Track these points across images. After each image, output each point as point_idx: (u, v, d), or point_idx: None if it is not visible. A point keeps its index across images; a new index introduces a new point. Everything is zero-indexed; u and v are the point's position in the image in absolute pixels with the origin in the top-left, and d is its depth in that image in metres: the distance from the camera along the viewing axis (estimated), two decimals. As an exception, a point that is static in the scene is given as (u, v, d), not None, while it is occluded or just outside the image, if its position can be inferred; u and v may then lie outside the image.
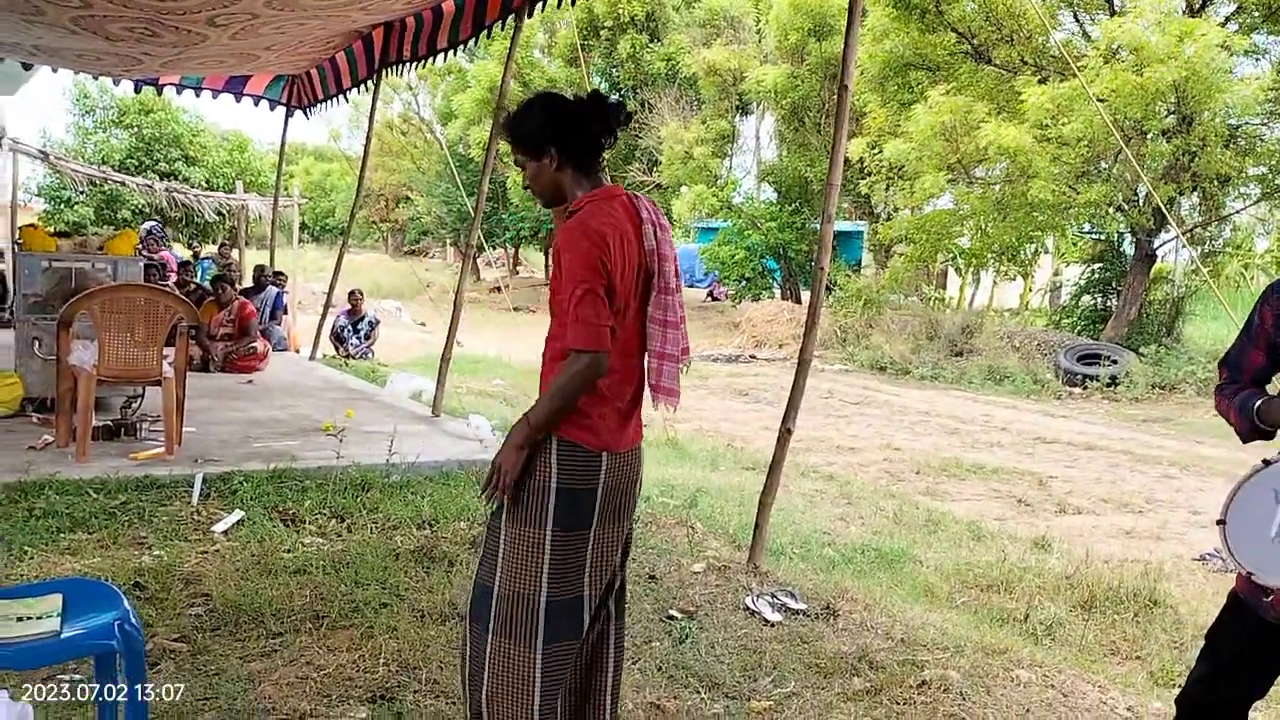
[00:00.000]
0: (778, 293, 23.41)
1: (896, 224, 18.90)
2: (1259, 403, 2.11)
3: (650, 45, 27.39)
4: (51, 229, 8.71)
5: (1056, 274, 22.57)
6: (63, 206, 25.59)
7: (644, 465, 2.56)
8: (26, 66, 9.52)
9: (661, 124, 25.10)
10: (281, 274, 12.25)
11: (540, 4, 6.41)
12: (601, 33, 27.68)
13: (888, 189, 18.98)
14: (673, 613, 3.86)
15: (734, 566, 4.44)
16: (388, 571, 3.99)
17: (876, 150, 17.89)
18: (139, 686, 2.33)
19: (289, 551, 4.17)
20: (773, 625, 3.80)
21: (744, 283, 23.30)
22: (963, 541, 5.70)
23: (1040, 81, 15.44)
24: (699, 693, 3.20)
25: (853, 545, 5.32)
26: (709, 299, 29.44)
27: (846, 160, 19.65)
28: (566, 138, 2.34)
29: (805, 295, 22.26)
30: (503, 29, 7.10)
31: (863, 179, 19.35)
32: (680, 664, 3.38)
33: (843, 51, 4.35)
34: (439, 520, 4.71)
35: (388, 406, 7.59)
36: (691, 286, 34.01)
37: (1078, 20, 17.42)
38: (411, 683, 3.10)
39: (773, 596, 4.06)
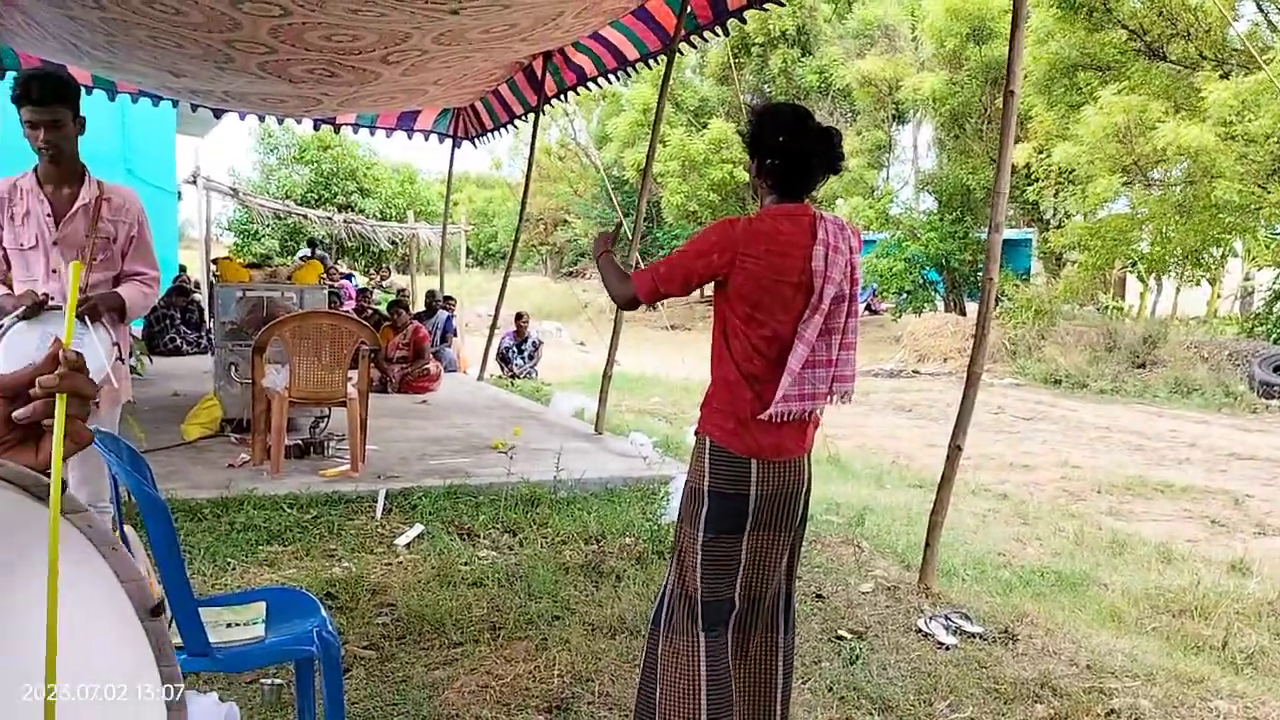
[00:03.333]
0: (940, 305, 22.75)
1: (1068, 230, 18.07)
2: None
3: (802, 59, 27.20)
4: (243, 261, 9.36)
5: (1247, 279, 21.05)
6: (250, 239, 27.45)
7: (809, 480, 2.57)
8: (217, 114, 10.28)
9: (815, 137, 24.84)
10: (451, 298, 12.77)
11: (698, 34, 6.54)
12: (753, 49, 27.67)
13: (1057, 194, 18.18)
14: (842, 633, 3.81)
15: (903, 587, 4.34)
16: (558, 585, 4.10)
17: (1044, 155, 17.19)
18: (336, 690, 2.47)
19: (466, 564, 4.34)
20: (947, 648, 3.69)
21: (904, 295, 22.75)
22: (1151, 564, 5.38)
23: (1222, 77, 14.50)
24: (871, 715, 3.13)
25: (1030, 567, 5.11)
26: (867, 312, 28.88)
27: (1012, 167, 18.94)
28: (768, 158, 2.45)
29: (970, 307, 21.54)
30: (658, 63, 7.28)
31: (1029, 185, 18.61)
32: (852, 685, 3.32)
33: (1008, 56, 4.24)
34: (605, 536, 4.80)
35: (552, 424, 7.79)
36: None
37: (1261, 10, 16.30)
38: (585, 694, 3.17)
39: (946, 619, 3.94)
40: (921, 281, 22.67)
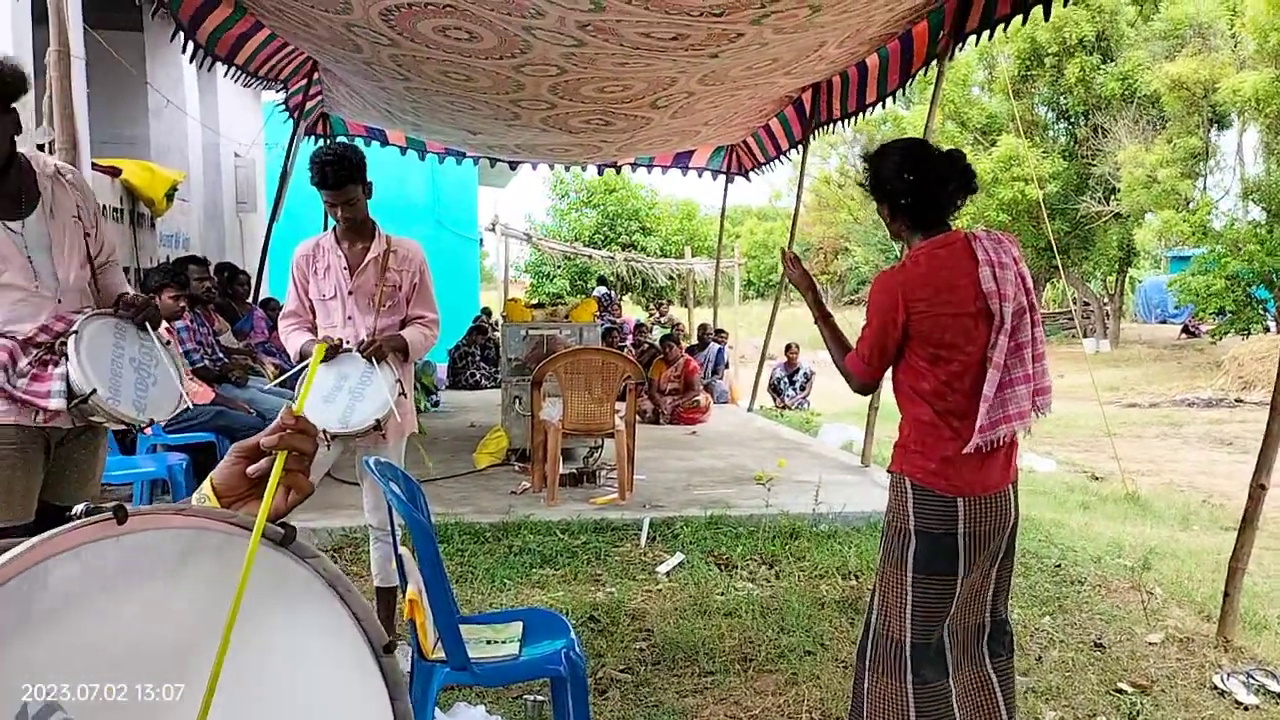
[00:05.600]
0: (1272, 325, 20.30)
1: None
2: None
3: (1102, 66, 25.35)
4: (534, 301, 10.09)
5: None
6: (544, 280, 29.31)
7: (1020, 508, 2.51)
8: (513, 166, 11.16)
9: (1118, 148, 23.06)
10: (723, 331, 13.00)
11: (961, 44, 6.31)
12: (1046, 60, 26.10)
13: None
14: (1123, 686, 3.51)
15: (1199, 639, 3.93)
16: (813, 620, 4.06)
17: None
18: (582, 708, 2.61)
19: (722, 594, 4.40)
20: (1246, 709, 3.31)
21: (1225, 316, 20.51)
22: None
23: None
24: (1149, 778, 2.87)
25: (1365, 625, 4.45)
26: (1184, 335, 26.30)
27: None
28: (901, 199, 2.41)
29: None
30: (926, 73, 7.06)
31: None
32: (1129, 743, 3.06)
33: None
34: (865, 571, 4.69)
35: (818, 456, 7.72)
36: (1164, 322, 30.70)
37: None
38: (832, 732, 3.13)
39: (1248, 676, 3.54)
40: (1246, 300, 20.36)
